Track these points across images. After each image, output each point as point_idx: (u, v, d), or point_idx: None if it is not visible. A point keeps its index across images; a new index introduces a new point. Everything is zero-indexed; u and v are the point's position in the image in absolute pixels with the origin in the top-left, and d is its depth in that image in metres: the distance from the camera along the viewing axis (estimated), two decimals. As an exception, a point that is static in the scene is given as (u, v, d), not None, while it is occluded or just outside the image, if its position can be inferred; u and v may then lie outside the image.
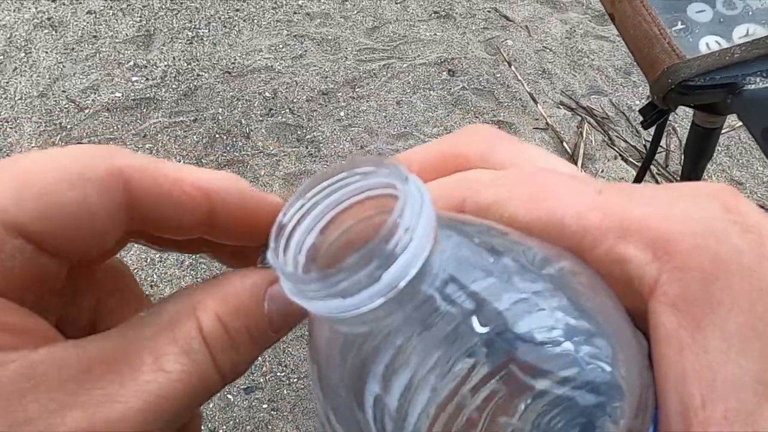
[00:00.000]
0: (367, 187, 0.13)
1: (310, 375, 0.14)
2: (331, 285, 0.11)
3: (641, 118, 0.50)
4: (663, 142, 1.45)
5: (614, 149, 1.44)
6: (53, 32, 1.63)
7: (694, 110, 0.50)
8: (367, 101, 1.49)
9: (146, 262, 1.20)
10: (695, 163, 0.54)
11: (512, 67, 1.59)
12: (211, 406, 1.03)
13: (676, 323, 0.12)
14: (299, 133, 1.43)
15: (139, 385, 0.13)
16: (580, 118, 1.49)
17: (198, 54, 1.59)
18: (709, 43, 0.43)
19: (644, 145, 1.44)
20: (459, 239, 0.12)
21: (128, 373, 0.13)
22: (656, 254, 0.12)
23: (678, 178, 1.37)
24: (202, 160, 1.37)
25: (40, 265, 0.14)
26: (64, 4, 1.70)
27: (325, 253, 0.13)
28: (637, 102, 1.52)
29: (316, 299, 0.11)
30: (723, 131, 0.51)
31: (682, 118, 1.48)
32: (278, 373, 1.07)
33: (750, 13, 0.44)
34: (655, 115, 0.49)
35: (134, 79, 1.52)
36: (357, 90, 1.52)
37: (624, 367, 0.12)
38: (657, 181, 1.37)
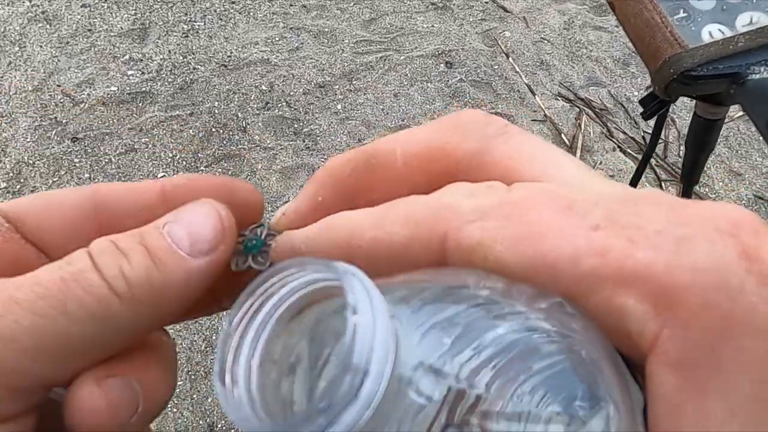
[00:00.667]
0: (320, 279, 0.12)
1: None
2: None
3: (640, 110, 0.49)
4: (662, 134, 1.44)
5: (612, 141, 1.43)
6: (47, 26, 1.61)
7: (696, 101, 0.50)
8: (365, 94, 1.48)
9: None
10: (696, 156, 0.53)
11: (510, 58, 1.58)
12: (209, 400, 1.03)
13: (675, 386, 0.11)
14: (296, 126, 1.42)
15: (1, 287, 0.14)
16: (578, 109, 1.49)
17: (194, 47, 1.57)
18: (712, 32, 0.42)
19: (642, 137, 1.44)
20: (425, 322, 0.11)
21: (1, 282, 0.14)
22: (658, 308, 0.11)
23: (677, 170, 1.37)
24: (199, 154, 1.36)
25: (18, 249, 0.15)
26: (57, -3, 1.68)
27: (281, 351, 0.12)
28: (636, 93, 1.52)
29: None
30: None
31: (681, 109, 1.47)
32: (278, 368, 1.08)
33: (754, 0, 0.44)
34: (655, 106, 0.48)
35: (130, 72, 1.51)
36: (354, 83, 1.51)
37: (616, 427, 0.11)
38: (656, 173, 1.37)
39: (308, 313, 0.13)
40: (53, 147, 1.36)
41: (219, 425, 1.01)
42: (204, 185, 0.17)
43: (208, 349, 1.08)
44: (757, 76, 0.39)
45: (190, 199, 0.16)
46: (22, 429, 0.14)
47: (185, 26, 1.63)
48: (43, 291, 0.14)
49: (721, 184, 1.37)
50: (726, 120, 0.51)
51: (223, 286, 0.17)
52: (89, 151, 1.36)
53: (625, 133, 1.45)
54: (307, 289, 0.12)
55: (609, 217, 0.12)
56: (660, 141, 1.42)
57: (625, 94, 1.52)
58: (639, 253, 0.11)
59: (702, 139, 0.51)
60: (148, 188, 0.17)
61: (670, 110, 1.48)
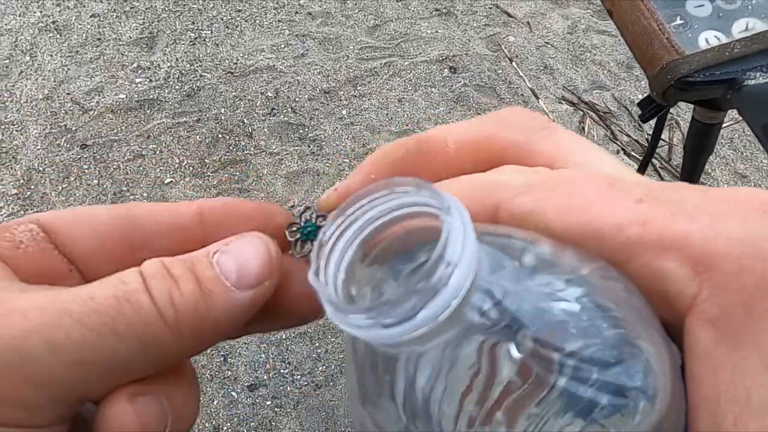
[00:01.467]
0: (408, 204, 0.13)
1: (347, 384, 0.14)
2: (375, 317, 0.11)
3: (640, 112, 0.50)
4: (666, 136, 1.44)
5: (617, 144, 1.43)
6: (58, 36, 1.64)
7: (694, 106, 0.50)
8: (369, 99, 1.50)
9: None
10: (695, 159, 0.54)
11: (514, 63, 1.58)
12: (215, 403, 1.04)
13: (713, 341, 0.12)
14: (301, 131, 1.43)
15: (56, 296, 0.14)
16: (582, 113, 1.49)
17: (201, 55, 1.60)
18: (709, 39, 0.43)
19: (646, 139, 1.44)
20: (495, 255, 0.12)
21: (56, 291, 0.14)
22: (697, 271, 0.12)
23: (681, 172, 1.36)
24: (205, 159, 1.37)
25: (49, 258, 0.16)
26: (68, 8, 1.71)
27: (365, 267, 0.13)
28: (640, 96, 1.52)
29: (357, 327, 0.11)
30: (726, 124, 0.51)
31: (686, 112, 1.47)
32: (282, 371, 1.08)
33: (749, 7, 0.44)
34: (653, 108, 0.49)
35: (138, 80, 1.53)
36: (359, 88, 1.52)
37: (654, 377, 0.12)
38: (660, 175, 1.37)
39: (389, 238, 0.13)
40: (63, 154, 1.38)
41: (225, 427, 1.02)
42: (241, 209, 0.17)
43: (213, 352, 1.09)
44: (753, 82, 0.40)
45: (227, 222, 0.17)
46: None
47: (192, 34, 1.65)
48: (97, 306, 0.14)
49: (725, 185, 1.36)
50: (731, 122, 0.51)
51: (254, 315, 0.17)
52: (98, 157, 1.38)
53: (629, 135, 1.45)
54: (392, 214, 0.13)
55: (649, 194, 0.13)
56: (664, 143, 1.42)
57: (629, 97, 1.52)
58: (678, 223, 0.12)
59: (700, 142, 0.51)
60: (185, 209, 0.17)
61: (675, 113, 1.48)
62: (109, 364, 0.14)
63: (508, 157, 0.16)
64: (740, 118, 1.45)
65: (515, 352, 0.11)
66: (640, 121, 1.34)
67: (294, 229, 0.18)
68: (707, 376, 0.12)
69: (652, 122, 0.50)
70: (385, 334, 0.11)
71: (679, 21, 0.44)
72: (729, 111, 0.52)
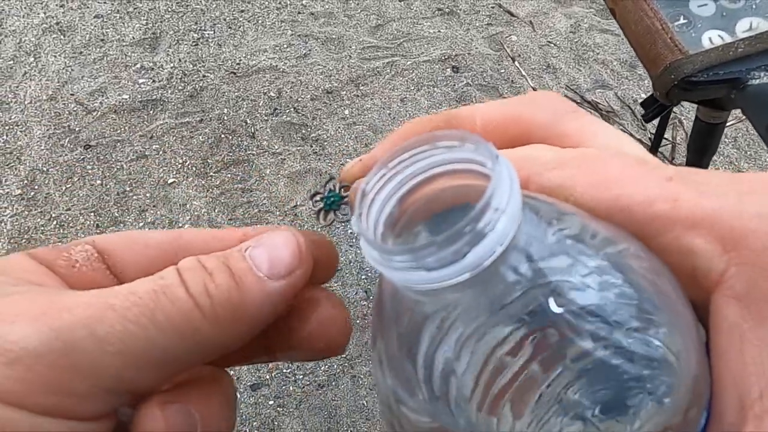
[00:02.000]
0: (450, 161, 0.13)
1: (374, 336, 0.14)
2: (419, 258, 0.11)
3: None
4: (669, 135, 1.44)
5: (620, 143, 1.43)
6: (62, 36, 1.65)
7: (698, 105, 0.50)
8: (372, 99, 1.50)
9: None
10: (699, 158, 0.54)
11: (516, 62, 1.58)
12: (221, 403, 1.04)
13: (739, 316, 0.12)
14: (304, 132, 1.43)
15: (99, 294, 0.15)
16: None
17: (203, 55, 1.60)
18: (712, 38, 0.42)
19: (650, 138, 1.43)
20: (534, 218, 0.13)
21: (100, 291, 0.15)
22: (725, 248, 0.12)
23: (685, 172, 1.36)
24: (208, 160, 1.38)
25: (101, 277, 0.17)
26: (72, 9, 1.71)
27: (402, 223, 0.13)
28: (643, 95, 1.52)
29: (400, 270, 0.11)
30: (730, 123, 0.51)
31: (689, 111, 1.47)
32: (284, 370, 1.08)
33: (753, 6, 0.44)
34: (657, 108, 0.49)
35: (141, 81, 1.53)
36: (361, 88, 1.52)
37: (678, 348, 0.12)
38: (664, 175, 1.37)
39: (429, 195, 0.13)
40: (66, 155, 1.39)
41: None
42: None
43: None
44: (757, 81, 0.40)
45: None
46: (101, 429, 0.15)
47: (195, 35, 1.66)
48: (137, 300, 0.15)
49: (730, 185, 1.36)
50: (734, 121, 0.51)
51: (278, 340, 0.18)
52: (101, 158, 1.38)
53: (632, 135, 1.45)
54: (433, 171, 0.13)
55: (679, 173, 0.13)
56: (667, 142, 1.42)
57: (632, 96, 1.52)
58: (707, 201, 0.13)
59: (704, 142, 0.51)
60: (230, 235, 0.18)
61: (678, 112, 1.48)
62: (150, 354, 0.15)
63: (535, 137, 0.16)
64: (744, 116, 1.45)
65: (555, 307, 0.11)
66: (643, 121, 1.34)
67: (318, 198, 0.18)
68: (733, 351, 0.12)
69: (656, 121, 0.50)
70: (429, 277, 0.11)
71: (682, 20, 0.43)
72: (731, 112, 0.51)
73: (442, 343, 0.12)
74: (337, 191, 0.18)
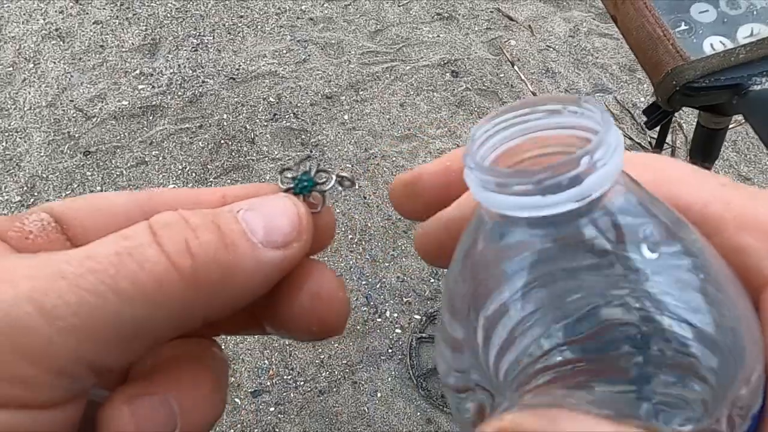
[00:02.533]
0: (557, 125, 0.13)
1: (453, 275, 0.14)
2: (536, 182, 0.11)
3: (645, 118, 0.50)
4: (668, 139, 1.44)
5: (620, 147, 1.43)
6: (61, 43, 1.65)
7: (699, 111, 0.50)
8: (371, 104, 1.50)
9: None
10: (701, 164, 0.54)
11: (515, 66, 1.58)
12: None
13: None
14: (303, 137, 1.43)
15: (48, 259, 0.12)
16: (585, 116, 1.49)
17: (203, 61, 1.60)
18: (714, 44, 0.42)
19: (649, 142, 1.43)
20: (623, 189, 0.13)
21: (50, 254, 0.13)
22: None
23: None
24: (208, 165, 1.38)
25: (59, 248, 0.14)
26: (71, 15, 1.72)
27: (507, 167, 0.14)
28: (642, 99, 1.52)
29: (511, 194, 0.12)
30: (730, 126, 0.51)
31: (688, 115, 1.47)
32: (285, 377, 1.08)
33: (755, 12, 0.44)
34: (659, 115, 0.48)
35: (140, 87, 1.53)
36: (360, 93, 1.52)
37: (738, 338, 0.12)
38: (664, 179, 1.37)
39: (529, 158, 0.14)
40: (66, 161, 1.39)
41: None
42: (264, 192, 0.16)
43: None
44: (759, 87, 0.40)
45: None
46: (67, 417, 0.13)
47: (194, 41, 1.66)
48: (94, 265, 0.12)
49: (730, 189, 1.36)
50: (734, 125, 0.51)
51: (266, 313, 0.16)
52: (101, 164, 1.38)
53: (631, 139, 1.45)
54: (536, 134, 0.13)
55: (731, 183, 0.14)
56: (667, 146, 1.42)
57: (632, 100, 1.52)
58: (759, 206, 0.14)
59: (706, 148, 0.51)
60: (209, 197, 0.16)
61: (678, 116, 1.48)
62: (114, 329, 0.12)
63: None
64: (743, 120, 1.45)
65: (647, 253, 0.12)
66: (645, 127, 1.34)
67: (288, 176, 0.16)
68: None
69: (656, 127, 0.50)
70: (544, 201, 0.11)
71: (683, 27, 0.43)
72: (732, 118, 0.51)
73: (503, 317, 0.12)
74: (312, 175, 0.16)
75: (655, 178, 0.14)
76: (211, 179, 1.35)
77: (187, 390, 0.14)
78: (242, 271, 0.13)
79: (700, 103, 0.45)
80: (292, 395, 1.06)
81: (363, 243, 1.25)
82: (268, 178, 1.35)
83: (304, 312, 0.15)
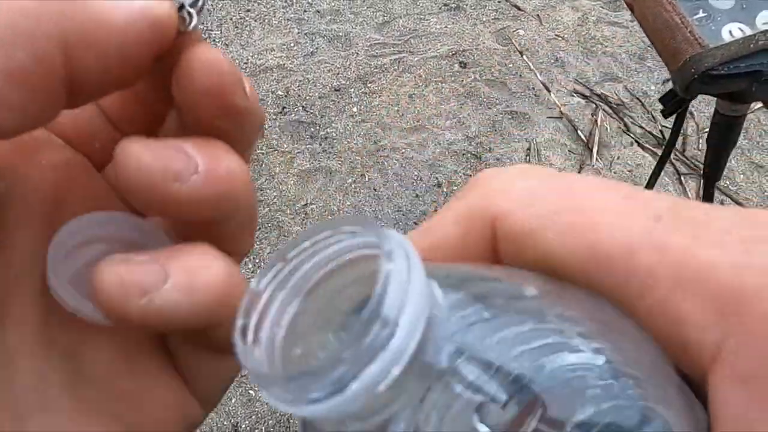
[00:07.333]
0: (356, 247, 0.11)
1: None
2: (297, 390, 0.09)
3: (658, 104, 0.50)
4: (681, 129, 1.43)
5: (630, 136, 1.42)
6: (69, 39, 1.66)
7: (717, 98, 0.50)
8: (380, 96, 1.50)
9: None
10: (719, 152, 0.54)
11: (524, 56, 1.58)
12: (233, 401, 1.05)
13: (744, 403, 0.09)
14: (312, 130, 1.44)
15: None
16: (594, 105, 1.48)
17: (211, 55, 1.60)
18: (732, 31, 0.42)
19: (660, 131, 1.42)
20: (460, 300, 0.10)
21: None
22: (722, 315, 0.10)
23: (696, 163, 1.35)
24: (219, 160, 1.38)
25: None
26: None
27: (311, 327, 0.11)
28: (653, 87, 1.51)
29: (283, 401, 0.10)
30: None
31: (699, 102, 1.46)
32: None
33: (773, -2, 0.44)
34: (675, 103, 0.48)
35: (149, 82, 1.54)
36: (369, 85, 1.52)
37: None
38: (675, 167, 1.36)
39: (340, 280, 0.11)
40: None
41: (243, 425, 1.03)
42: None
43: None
44: (779, 74, 0.40)
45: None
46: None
47: (202, 35, 1.66)
48: None
49: (742, 176, 1.35)
50: (746, 112, 0.51)
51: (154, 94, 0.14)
52: (113, 159, 1.39)
53: (642, 127, 1.44)
54: (340, 259, 0.11)
55: (672, 210, 0.11)
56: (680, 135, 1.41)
57: (642, 89, 1.51)
58: (703, 251, 0.10)
59: (724, 136, 0.51)
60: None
61: (690, 104, 1.47)
62: None
63: None
64: (755, 107, 1.43)
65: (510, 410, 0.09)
66: (657, 113, 1.32)
67: None
68: None
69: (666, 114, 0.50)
70: (312, 410, 0.09)
71: (701, 14, 0.43)
72: (749, 105, 0.51)
73: None
74: None
75: (570, 221, 0.11)
76: (221, 173, 1.36)
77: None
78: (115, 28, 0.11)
79: (718, 91, 0.45)
80: (306, 386, 1.07)
81: (374, 235, 1.25)
82: (277, 171, 1.35)
83: (185, 80, 0.13)
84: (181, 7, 0.14)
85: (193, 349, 0.15)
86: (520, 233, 0.11)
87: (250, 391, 1.06)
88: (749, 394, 0.09)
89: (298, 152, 1.39)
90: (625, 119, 1.45)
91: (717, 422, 0.10)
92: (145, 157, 0.12)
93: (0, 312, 0.13)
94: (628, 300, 0.10)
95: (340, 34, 1.65)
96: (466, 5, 1.72)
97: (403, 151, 1.39)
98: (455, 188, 1.33)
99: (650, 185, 0.67)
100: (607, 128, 1.44)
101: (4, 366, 0.13)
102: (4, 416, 0.13)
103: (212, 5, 1.74)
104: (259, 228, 1.25)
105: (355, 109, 1.47)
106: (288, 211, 1.29)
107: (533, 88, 1.51)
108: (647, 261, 0.10)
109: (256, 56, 1.60)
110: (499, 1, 1.73)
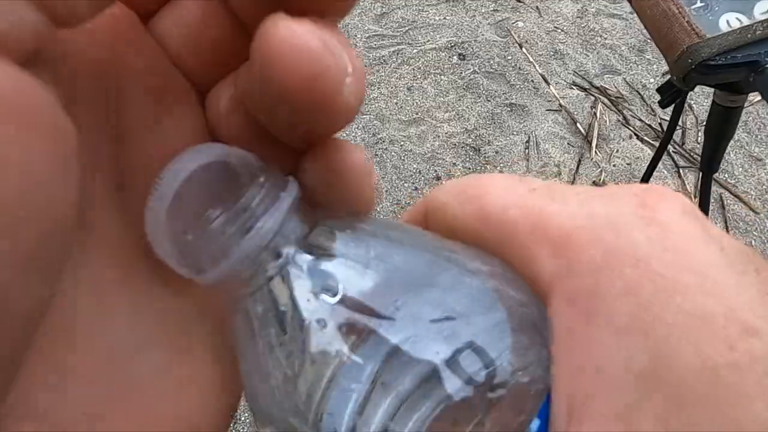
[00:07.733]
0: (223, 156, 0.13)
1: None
2: (184, 262, 0.12)
3: (657, 97, 0.49)
4: (679, 120, 1.42)
5: (629, 128, 1.42)
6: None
7: (715, 89, 0.50)
8: (378, 88, 1.49)
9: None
10: (716, 144, 0.53)
11: (523, 48, 1.57)
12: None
13: (569, 318, 0.11)
14: (312, 122, 1.44)
15: None
16: (593, 98, 1.48)
17: (208, 47, 1.60)
18: (730, 21, 0.42)
19: (659, 124, 1.42)
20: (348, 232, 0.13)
21: None
22: (557, 251, 0.12)
23: (694, 156, 1.35)
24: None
25: None
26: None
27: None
28: (652, 80, 1.50)
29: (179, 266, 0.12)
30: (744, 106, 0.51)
31: (698, 95, 1.46)
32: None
33: (771, -12, 0.43)
34: (673, 94, 0.48)
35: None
36: (367, 77, 1.52)
37: (512, 360, 0.11)
38: (673, 160, 1.36)
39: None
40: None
41: (242, 418, 1.03)
42: None
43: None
44: (776, 64, 0.39)
45: None
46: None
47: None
48: None
49: (740, 169, 1.35)
50: (745, 105, 0.51)
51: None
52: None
53: (641, 120, 1.44)
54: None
55: (545, 186, 0.13)
56: (677, 127, 1.40)
57: (641, 81, 1.51)
58: (552, 206, 0.13)
59: (721, 127, 0.51)
60: None
61: (688, 96, 1.46)
62: None
63: None
64: (755, 100, 1.43)
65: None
66: (656, 106, 1.32)
67: None
68: (564, 353, 0.11)
69: (668, 107, 0.50)
70: (200, 277, 0.12)
71: (699, 3, 0.43)
72: (747, 96, 0.51)
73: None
74: None
75: (469, 194, 0.14)
76: (219, 166, 1.35)
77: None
78: None
79: (716, 81, 0.44)
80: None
81: (372, 227, 1.25)
82: (276, 164, 1.35)
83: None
84: None
85: None
86: (436, 208, 0.14)
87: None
88: (572, 309, 0.11)
89: (297, 145, 1.39)
90: (624, 112, 1.45)
91: (553, 337, 0.12)
92: (314, 43, 0.10)
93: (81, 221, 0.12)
94: (501, 248, 0.13)
95: (339, 25, 1.64)
96: (465, -3, 1.71)
97: (402, 143, 1.39)
98: (454, 181, 1.33)
99: (647, 175, 0.67)
100: (606, 121, 1.44)
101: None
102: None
103: None
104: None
105: (353, 102, 1.47)
106: (286, 204, 1.29)
107: (532, 81, 1.50)
108: (514, 216, 0.13)
109: (254, 48, 1.59)
110: (498, -7, 1.72)
